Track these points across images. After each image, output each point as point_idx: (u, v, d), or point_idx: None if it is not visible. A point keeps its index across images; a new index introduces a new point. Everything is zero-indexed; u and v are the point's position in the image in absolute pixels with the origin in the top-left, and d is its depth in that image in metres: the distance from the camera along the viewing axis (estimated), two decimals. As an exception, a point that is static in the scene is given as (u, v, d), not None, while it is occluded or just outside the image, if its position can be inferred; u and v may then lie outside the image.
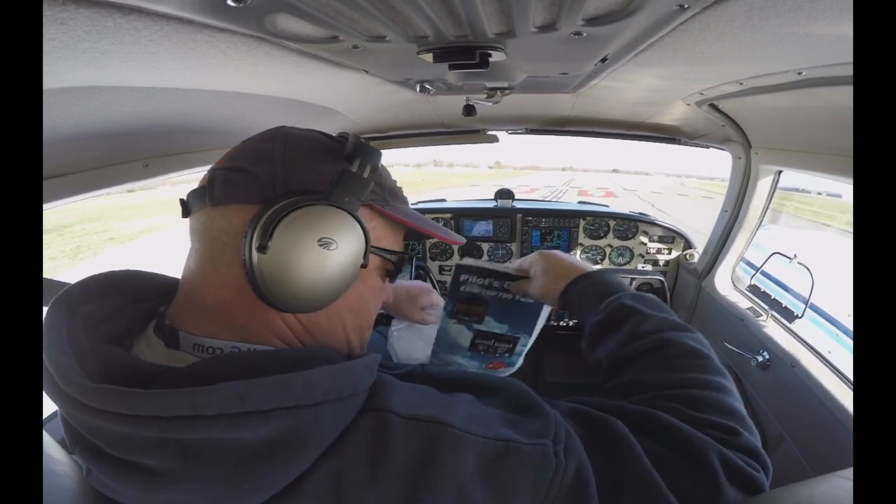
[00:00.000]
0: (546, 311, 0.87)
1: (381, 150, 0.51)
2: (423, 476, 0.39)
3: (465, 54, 0.66)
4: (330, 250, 0.44)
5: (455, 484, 0.39)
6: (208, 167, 0.50)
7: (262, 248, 0.42)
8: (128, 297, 0.51)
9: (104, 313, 0.48)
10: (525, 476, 0.40)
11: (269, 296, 0.44)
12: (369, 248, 0.48)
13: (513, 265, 0.85)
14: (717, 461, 0.44)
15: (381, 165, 0.54)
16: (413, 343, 1.01)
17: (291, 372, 0.40)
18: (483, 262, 0.84)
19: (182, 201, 0.50)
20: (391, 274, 0.58)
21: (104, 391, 0.37)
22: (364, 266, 0.48)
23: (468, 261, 0.83)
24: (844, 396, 1.08)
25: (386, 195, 0.54)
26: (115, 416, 0.36)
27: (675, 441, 0.46)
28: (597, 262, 2.22)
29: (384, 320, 1.09)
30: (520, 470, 0.41)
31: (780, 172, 1.51)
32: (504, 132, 2.05)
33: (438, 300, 1.02)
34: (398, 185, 0.59)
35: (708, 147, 1.78)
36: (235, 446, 0.37)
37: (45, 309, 0.45)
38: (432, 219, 2.20)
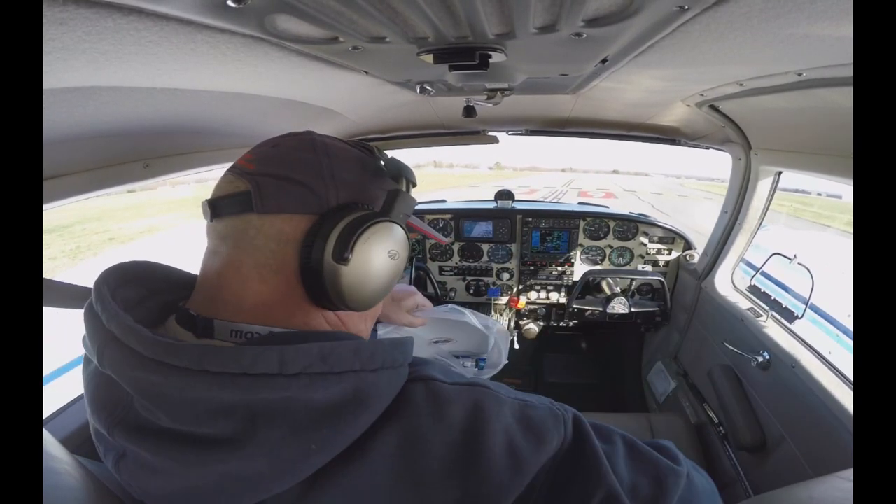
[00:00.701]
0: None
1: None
2: (478, 425, 0.44)
3: (465, 55, 0.66)
4: (395, 260, 0.52)
5: (502, 429, 0.45)
6: (208, 167, 0.51)
7: (344, 260, 0.46)
8: (148, 288, 0.53)
9: (131, 301, 0.50)
10: (547, 423, 0.48)
11: (336, 299, 0.48)
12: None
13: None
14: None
15: None
16: None
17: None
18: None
19: (210, 204, 0.49)
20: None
21: (198, 348, 0.39)
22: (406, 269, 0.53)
23: None
24: (844, 396, 1.08)
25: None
26: (202, 374, 0.38)
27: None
28: (597, 263, 2.22)
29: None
30: (544, 420, 0.48)
31: (779, 173, 1.51)
32: (504, 133, 2.05)
33: (423, 301, 1.03)
34: None
35: (708, 148, 1.78)
36: (304, 408, 0.40)
37: (44, 309, 0.45)
38: (432, 219, 2.22)
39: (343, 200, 0.50)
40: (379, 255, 0.49)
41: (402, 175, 0.54)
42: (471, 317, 1.01)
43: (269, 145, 0.52)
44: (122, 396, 0.43)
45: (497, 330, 1.06)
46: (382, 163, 0.56)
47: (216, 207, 0.49)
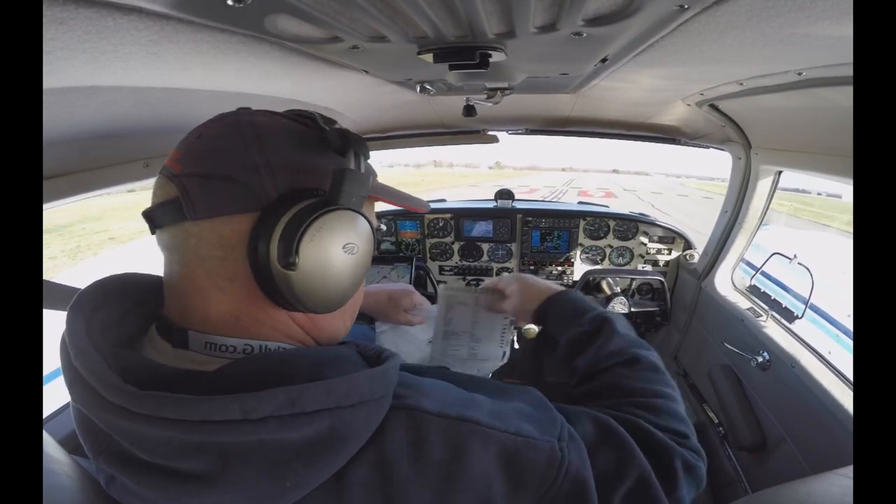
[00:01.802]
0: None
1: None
2: (455, 467, 0.42)
3: (466, 55, 0.66)
4: (353, 254, 0.46)
5: (480, 471, 0.43)
6: None
7: (290, 266, 0.42)
8: (130, 301, 0.50)
9: (111, 320, 0.48)
10: (538, 468, 0.45)
11: (293, 303, 0.44)
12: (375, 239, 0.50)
13: (484, 284, 0.97)
14: (679, 462, 0.53)
15: None
16: (398, 345, 1.01)
17: (321, 371, 0.42)
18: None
19: (146, 215, 0.46)
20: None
21: (156, 397, 0.37)
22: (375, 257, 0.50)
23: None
24: (844, 396, 1.08)
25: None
26: (163, 421, 0.37)
27: (648, 444, 0.53)
28: (597, 263, 2.22)
29: (364, 318, 1.09)
30: (534, 462, 0.45)
31: (780, 173, 1.51)
32: (504, 132, 2.05)
33: (421, 300, 1.02)
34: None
35: (708, 147, 1.78)
36: (278, 446, 0.38)
37: (44, 309, 0.44)
38: (432, 219, 2.22)
39: (284, 189, 0.44)
40: (332, 252, 0.44)
41: (349, 148, 0.46)
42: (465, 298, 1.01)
43: (193, 136, 0.46)
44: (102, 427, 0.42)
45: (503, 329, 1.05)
46: (327, 136, 0.47)
47: (152, 219, 0.45)
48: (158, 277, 0.54)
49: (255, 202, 0.43)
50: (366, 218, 0.47)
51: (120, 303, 0.49)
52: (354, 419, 0.41)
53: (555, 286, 0.87)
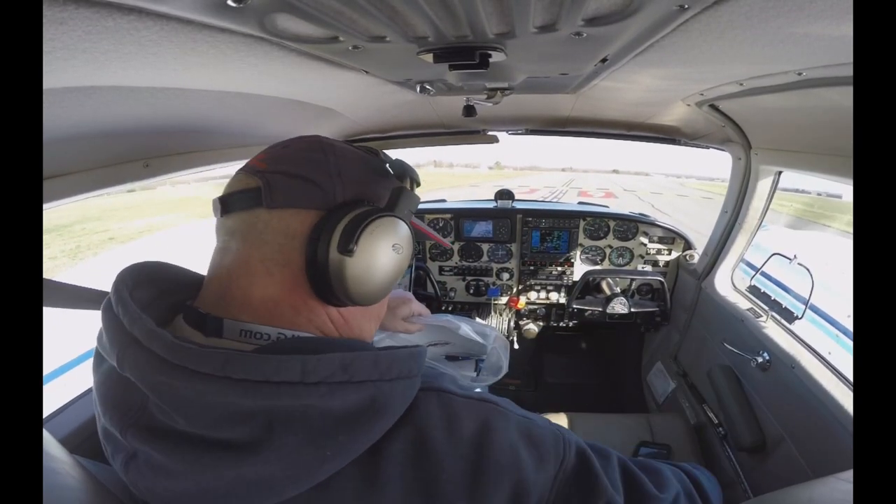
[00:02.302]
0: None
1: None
2: (486, 439, 0.47)
3: (465, 55, 0.66)
4: (399, 254, 0.53)
5: (508, 443, 0.48)
6: (208, 167, 0.52)
7: (348, 252, 0.47)
8: (158, 288, 0.53)
9: (143, 302, 0.50)
10: (548, 443, 0.51)
11: (340, 293, 0.49)
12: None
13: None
14: None
15: None
16: None
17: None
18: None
19: (221, 200, 0.51)
20: None
21: (221, 354, 0.39)
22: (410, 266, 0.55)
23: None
24: (844, 397, 1.08)
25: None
26: (224, 380, 0.39)
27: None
28: (597, 263, 2.22)
29: None
30: (545, 438, 0.51)
31: (779, 173, 1.51)
32: (504, 133, 2.05)
33: (419, 308, 1.01)
34: None
35: (708, 148, 1.78)
36: (321, 415, 0.41)
37: (44, 309, 0.45)
38: (432, 219, 2.22)
39: (349, 197, 0.52)
40: (383, 248, 0.50)
41: (406, 174, 0.58)
42: (466, 328, 1.00)
43: (280, 146, 0.54)
44: (137, 399, 0.43)
45: (495, 338, 1.05)
46: (387, 164, 0.58)
47: (227, 203, 0.50)
48: (186, 270, 0.58)
49: (323, 202, 0.50)
50: (411, 229, 0.55)
51: (150, 288, 0.52)
52: (394, 392, 0.45)
53: None
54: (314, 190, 0.50)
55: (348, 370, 0.42)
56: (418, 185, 0.59)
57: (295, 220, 0.49)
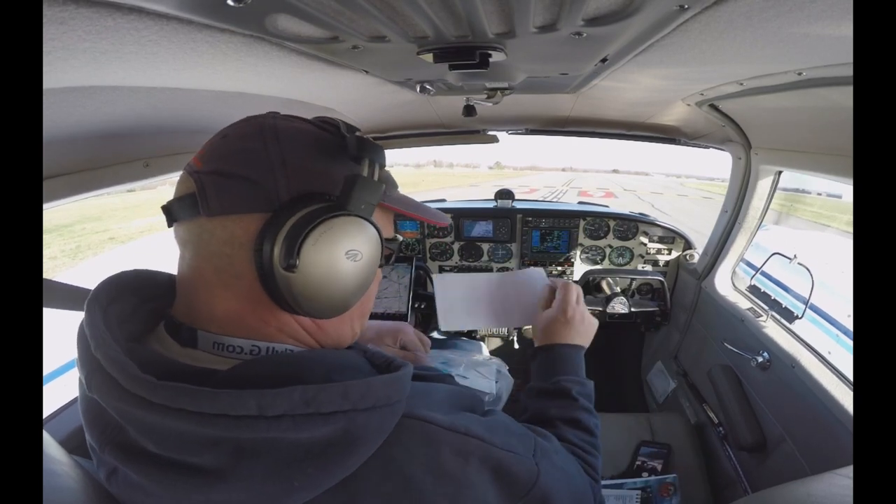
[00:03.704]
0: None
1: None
2: (465, 478, 0.46)
3: (466, 54, 0.66)
4: (356, 262, 0.45)
5: (481, 483, 0.48)
6: None
7: (290, 268, 0.42)
8: (140, 297, 0.51)
9: (125, 314, 0.48)
10: (520, 480, 0.51)
11: (295, 307, 0.44)
12: (383, 248, 0.50)
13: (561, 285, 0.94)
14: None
15: None
16: None
17: (333, 375, 0.43)
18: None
19: (165, 209, 0.47)
20: (386, 258, 0.57)
21: (174, 388, 0.37)
22: (381, 266, 0.51)
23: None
24: (844, 396, 1.08)
25: (386, 186, 0.52)
26: (179, 412, 0.37)
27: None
28: (597, 263, 2.22)
29: None
30: (518, 475, 0.51)
31: (780, 173, 1.51)
32: (504, 132, 2.04)
33: (411, 340, 0.97)
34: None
35: (708, 147, 1.78)
36: (290, 446, 0.39)
37: (44, 309, 0.45)
38: (432, 219, 2.21)
39: (296, 192, 0.44)
40: (333, 257, 0.43)
41: (364, 155, 0.46)
42: (468, 373, 0.98)
43: (219, 136, 0.47)
44: (113, 418, 0.42)
45: (497, 373, 1.04)
46: (345, 142, 0.48)
47: (170, 212, 0.46)
48: (169, 275, 0.54)
49: (266, 203, 0.43)
50: (374, 226, 0.47)
51: (130, 298, 0.50)
52: (369, 423, 0.41)
53: (572, 336, 0.86)
54: (253, 190, 0.43)
55: (311, 404, 0.39)
56: (382, 166, 0.48)
57: (238, 227, 0.43)
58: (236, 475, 0.38)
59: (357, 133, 0.48)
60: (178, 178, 0.49)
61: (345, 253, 0.44)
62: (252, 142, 0.45)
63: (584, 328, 0.88)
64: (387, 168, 0.56)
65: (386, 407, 0.42)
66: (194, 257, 0.46)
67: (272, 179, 0.44)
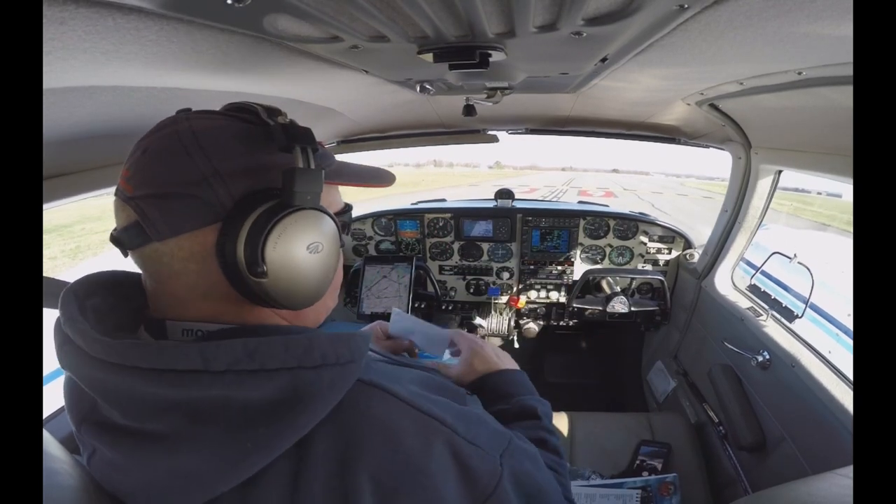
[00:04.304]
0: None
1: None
2: (422, 458, 0.43)
3: (466, 54, 0.66)
4: (318, 252, 0.47)
5: (441, 470, 0.43)
6: None
7: (259, 276, 0.43)
8: (116, 296, 0.51)
9: (104, 308, 0.49)
10: (482, 476, 0.46)
11: (274, 305, 0.46)
12: (339, 229, 0.51)
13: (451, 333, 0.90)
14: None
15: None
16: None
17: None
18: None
19: (113, 240, 0.47)
20: (344, 228, 0.57)
21: (127, 345, 0.39)
22: (342, 247, 0.51)
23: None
24: (844, 396, 1.08)
25: (324, 165, 0.53)
26: (133, 370, 0.39)
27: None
28: (597, 262, 2.22)
29: None
30: (480, 471, 0.46)
31: (780, 172, 1.51)
32: (504, 132, 2.04)
33: (382, 327, 0.94)
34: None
35: (708, 147, 1.78)
36: (241, 407, 0.39)
37: (44, 309, 0.45)
38: (432, 218, 2.21)
39: (239, 195, 0.44)
40: (297, 255, 0.45)
41: (294, 144, 0.45)
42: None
43: (139, 151, 0.45)
44: (89, 396, 0.44)
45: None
46: (271, 132, 0.46)
47: (121, 243, 0.46)
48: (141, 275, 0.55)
49: (213, 214, 0.43)
50: (325, 212, 0.48)
51: (106, 297, 0.51)
52: (318, 381, 0.41)
53: (504, 363, 0.81)
54: (195, 205, 0.43)
55: (255, 357, 0.39)
56: (314, 150, 0.47)
57: (194, 243, 0.43)
58: (191, 439, 0.39)
59: (279, 119, 0.47)
60: None
61: (306, 248, 0.45)
62: (176, 156, 0.43)
63: (503, 354, 0.84)
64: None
65: (336, 366, 0.42)
66: (161, 280, 0.46)
67: (211, 191, 0.43)
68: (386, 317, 1.04)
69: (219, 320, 0.47)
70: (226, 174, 0.44)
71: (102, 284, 0.51)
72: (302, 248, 0.45)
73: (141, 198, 0.43)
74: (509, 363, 0.83)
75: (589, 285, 2.17)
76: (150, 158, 0.44)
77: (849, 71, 0.69)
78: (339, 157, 0.60)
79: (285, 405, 0.40)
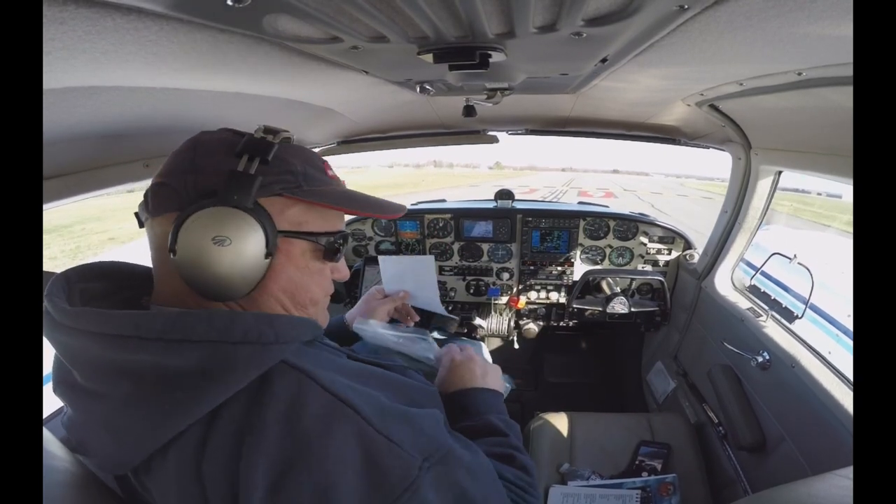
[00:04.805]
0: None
1: (279, 142, 0.54)
2: (320, 441, 0.44)
3: (466, 55, 0.66)
4: (225, 247, 0.49)
5: (340, 459, 0.44)
6: None
7: (172, 251, 0.49)
8: (114, 284, 0.58)
9: (98, 293, 0.55)
10: (391, 476, 0.45)
11: (196, 289, 0.51)
12: (277, 237, 0.53)
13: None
14: None
15: (294, 149, 0.57)
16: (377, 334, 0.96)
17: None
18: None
19: (136, 214, 0.56)
20: (328, 253, 0.59)
21: (80, 311, 0.46)
22: (270, 254, 0.52)
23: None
24: (844, 396, 1.08)
25: (299, 181, 0.55)
26: (86, 334, 0.45)
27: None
28: (597, 263, 2.22)
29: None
30: (390, 469, 0.45)
31: (779, 173, 1.51)
32: (504, 133, 2.04)
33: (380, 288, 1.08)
34: (318, 164, 0.59)
35: (708, 147, 1.78)
36: (165, 372, 0.44)
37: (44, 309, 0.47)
38: (432, 219, 2.21)
39: (201, 191, 0.50)
40: (201, 243, 0.49)
41: (244, 152, 0.52)
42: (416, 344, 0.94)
43: (174, 151, 0.55)
44: (64, 364, 0.50)
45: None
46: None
47: (138, 217, 0.56)
48: (143, 267, 0.62)
49: (177, 203, 0.50)
50: (252, 215, 0.50)
51: (103, 282, 0.57)
52: (236, 355, 0.45)
53: (487, 383, 0.81)
54: (169, 192, 0.51)
55: (177, 325, 0.44)
56: (262, 160, 0.52)
57: (161, 226, 0.51)
58: (126, 399, 0.44)
59: (268, 136, 0.54)
60: None
61: (211, 238, 0.49)
62: (180, 153, 0.54)
63: (492, 373, 0.84)
64: (310, 151, 0.59)
65: (257, 344, 0.46)
66: (153, 252, 0.54)
67: (182, 183, 0.51)
68: None
69: (184, 305, 0.52)
70: (198, 172, 0.51)
71: (99, 272, 0.57)
72: (207, 238, 0.49)
73: (153, 183, 0.53)
74: (493, 383, 0.82)
75: (589, 286, 2.16)
76: (173, 155, 0.55)
77: (849, 71, 0.69)
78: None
79: (204, 374, 0.44)
